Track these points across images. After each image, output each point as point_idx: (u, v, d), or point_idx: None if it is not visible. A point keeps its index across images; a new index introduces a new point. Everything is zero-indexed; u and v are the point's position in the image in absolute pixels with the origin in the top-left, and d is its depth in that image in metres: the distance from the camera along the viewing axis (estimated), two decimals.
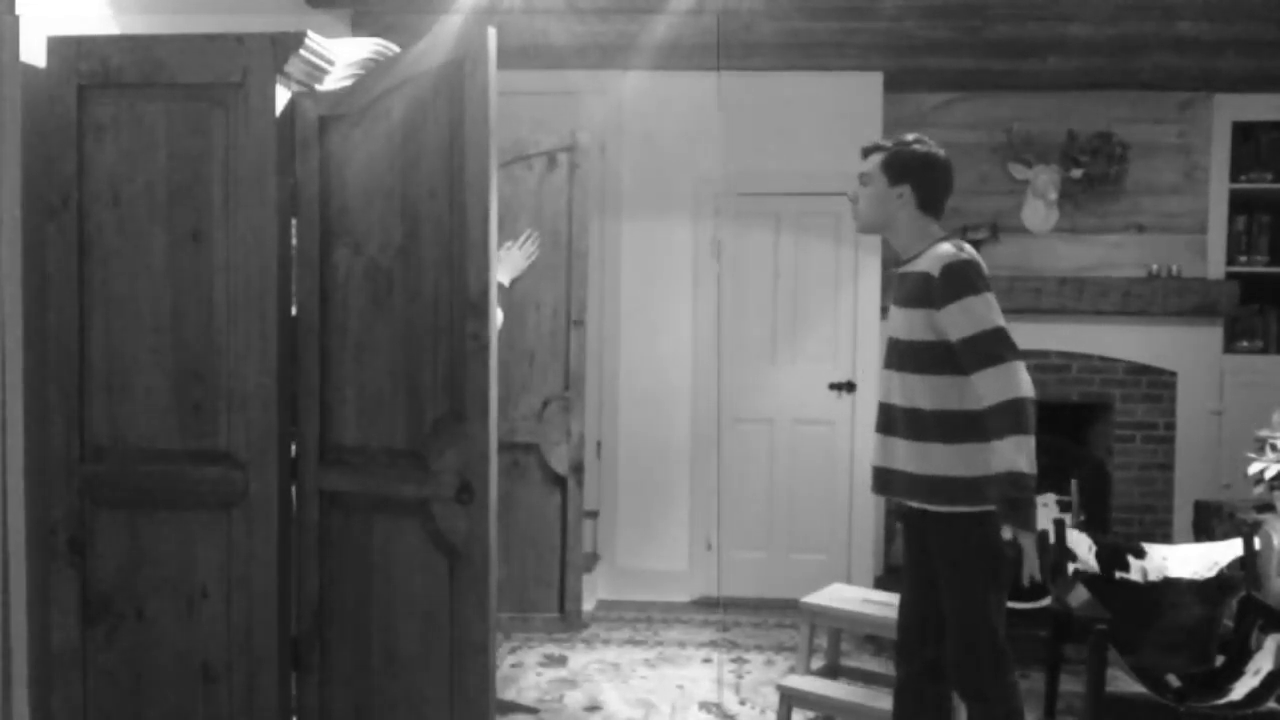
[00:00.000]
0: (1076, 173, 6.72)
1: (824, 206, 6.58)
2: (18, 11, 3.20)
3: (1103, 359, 6.80)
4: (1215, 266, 6.81)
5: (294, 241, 3.50)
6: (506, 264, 4.70)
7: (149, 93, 3.33)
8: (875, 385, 6.55)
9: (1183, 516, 6.62)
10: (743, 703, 5.10)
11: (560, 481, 5.03)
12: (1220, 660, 4.45)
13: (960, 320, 3.38)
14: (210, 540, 3.38)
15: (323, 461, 3.47)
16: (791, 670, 5.18)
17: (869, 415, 6.51)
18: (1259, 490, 5.13)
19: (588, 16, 5.57)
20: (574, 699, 5.11)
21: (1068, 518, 5.79)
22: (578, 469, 5.03)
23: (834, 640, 4.92)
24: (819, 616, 4.70)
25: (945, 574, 3.54)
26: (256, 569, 3.37)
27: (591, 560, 6.70)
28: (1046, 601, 5.15)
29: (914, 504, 3.58)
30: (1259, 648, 4.32)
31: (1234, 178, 6.82)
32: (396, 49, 3.84)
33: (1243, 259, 6.88)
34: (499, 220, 3.92)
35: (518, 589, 5.08)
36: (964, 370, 3.40)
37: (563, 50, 6.13)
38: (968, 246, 3.51)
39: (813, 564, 6.59)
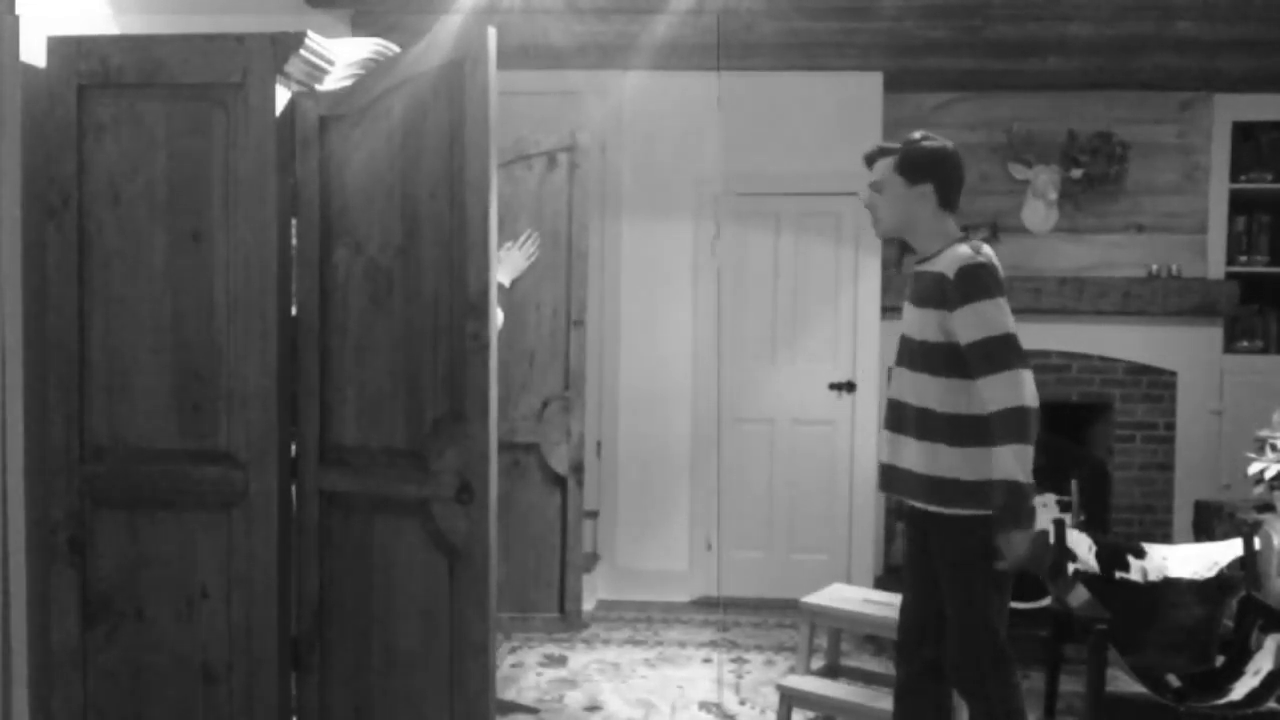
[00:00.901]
0: (1076, 173, 6.72)
1: (824, 206, 6.59)
2: (18, 11, 3.20)
3: (1103, 359, 6.80)
4: (1215, 266, 6.81)
5: (294, 241, 3.50)
6: (506, 264, 4.69)
7: (149, 93, 3.33)
8: (875, 385, 6.58)
9: (1183, 516, 6.62)
10: (743, 703, 5.10)
11: (560, 481, 5.02)
12: (1220, 660, 4.45)
13: (970, 323, 3.38)
14: (210, 540, 3.38)
15: (323, 461, 3.47)
16: (791, 670, 5.17)
17: (869, 415, 6.56)
18: (1259, 490, 5.13)
19: (587, 16, 5.57)
20: (574, 699, 5.11)
21: (1068, 518, 5.78)
22: (578, 469, 5.01)
23: (834, 640, 4.92)
24: (819, 616, 4.69)
25: (947, 575, 3.54)
26: (256, 569, 3.37)
27: (591, 560, 6.70)
28: (1046, 601, 5.15)
29: (917, 504, 3.58)
30: (1259, 648, 4.32)
31: (1234, 178, 6.82)
32: (397, 49, 3.84)
33: (1243, 259, 6.89)
34: (499, 220, 3.93)
35: (518, 589, 5.07)
36: (972, 374, 3.40)
37: (563, 50, 6.13)
38: (985, 248, 3.50)
39: (813, 564, 6.59)
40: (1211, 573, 4.52)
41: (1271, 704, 4.01)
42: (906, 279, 6.49)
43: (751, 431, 6.75)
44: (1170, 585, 4.52)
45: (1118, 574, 4.57)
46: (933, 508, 3.50)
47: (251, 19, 3.61)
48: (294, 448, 3.49)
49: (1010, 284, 6.48)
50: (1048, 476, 6.12)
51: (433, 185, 3.25)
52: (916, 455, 3.54)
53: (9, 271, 3.22)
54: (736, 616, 6.42)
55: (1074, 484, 6.27)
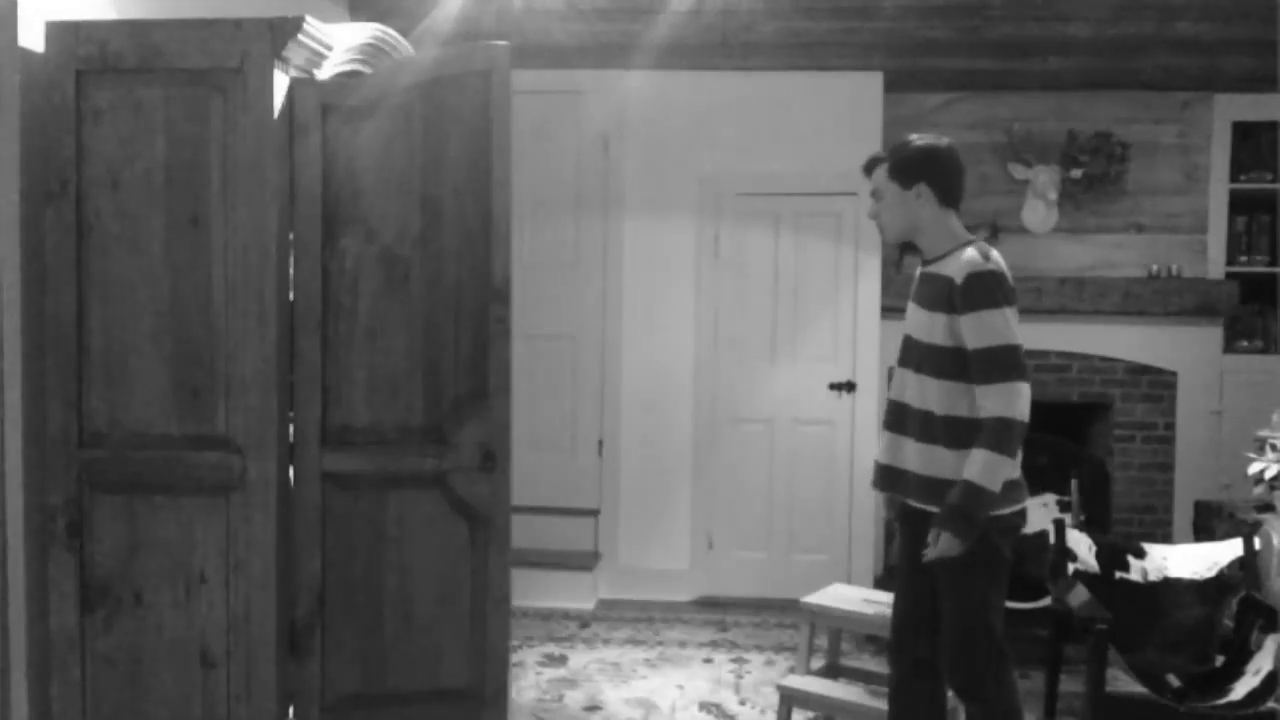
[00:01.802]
0: (1076, 173, 6.71)
1: (824, 206, 6.59)
2: None
3: (1103, 359, 6.79)
4: (1215, 266, 6.80)
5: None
6: None
7: (147, 78, 3.34)
8: (875, 385, 6.57)
9: (1183, 516, 6.60)
10: (743, 703, 5.08)
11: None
12: (1220, 660, 4.43)
13: (976, 330, 3.38)
14: (209, 526, 3.38)
15: (329, 443, 3.52)
16: (791, 670, 5.16)
17: (869, 415, 6.55)
18: (1259, 490, 5.11)
19: (589, 16, 5.59)
20: (574, 699, 5.10)
21: (1068, 518, 5.77)
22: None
23: (834, 640, 4.91)
24: (819, 616, 4.69)
25: (944, 576, 3.52)
26: (255, 554, 3.37)
27: (593, 559, 6.69)
28: (1046, 601, 5.14)
29: (916, 504, 3.57)
30: (1259, 648, 4.31)
31: (1234, 178, 6.81)
32: (395, 34, 3.88)
33: (1243, 259, 6.87)
34: None
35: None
36: (973, 379, 3.40)
37: (565, 49, 6.15)
38: (994, 254, 3.48)
39: (813, 564, 6.57)
40: (1211, 573, 4.51)
41: (1271, 704, 4.00)
42: (908, 279, 6.54)
43: (751, 431, 6.74)
44: (1170, 585, 4.51)
45: (1118, 574, 4.56)
46: (931, 508, 3.49)
47: (249, 4, 3.61)
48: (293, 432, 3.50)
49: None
50: (1048, 476, 6.12)
51: (456, 183, 3.58)
52: (916, 456, 3.54)
53: (7, 257, 3.23)
54: (736, 616, 6.41)
55: (1074, 484, 6.24)
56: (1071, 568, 4.58)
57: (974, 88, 6.75)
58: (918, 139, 3.63)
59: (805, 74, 6.55)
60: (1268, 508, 5.10)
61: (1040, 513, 5.88)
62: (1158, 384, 6.79)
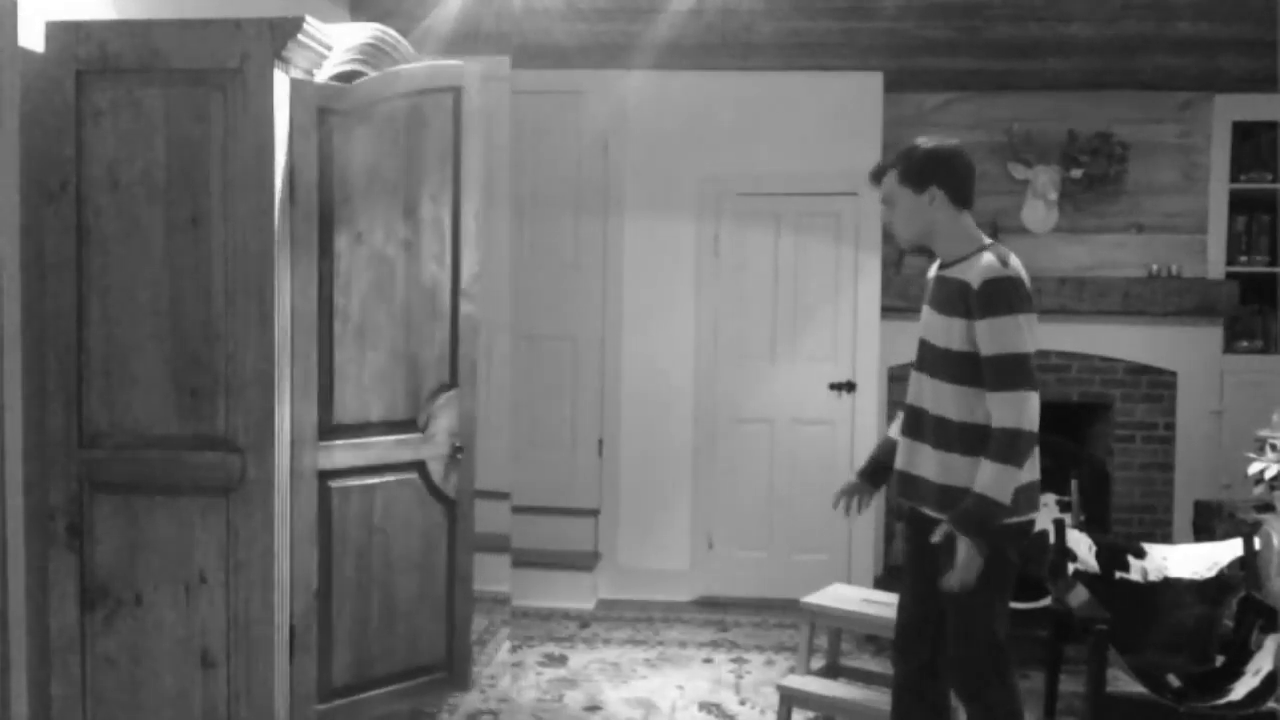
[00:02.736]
0: (1076, 173, 6.71)
1: (824, 206, 6.58)
2: None
3: (1103, 359, 6.79)
4: (1215, 266, 6.80)
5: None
6: None
7: (147, 78, 3.35)
8: (875, 385, 6.58)
9: (1183, 516, 6.60)
10: (743, 703, 5.08)
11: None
12: (1220, 660, 4.43)
13: (990, 337, 3.35)
14: (208, 525, 3.39)
15: (324, 441, 3.56)
16: (791, 670, 5.16)
17: (869, 415, 6.56)
18: (1259, 490, 5.10)
19: (589, 16, 5.58)
20: (574, 699, 5.10)
21: (1068, 518, 5.77)
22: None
23: (834, 640, 4.90)
24: (819, 616, 4.68)
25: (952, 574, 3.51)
26: (255, 554, 3.37)
27: (593, 559, 6.69)
28: (1046, 601, 5.13)
29: (931, 513, 3.53)
30: (1259, 648, 4.30)
31: (1234, 178, 6.80)
32: (395, 34, 3.89)
33: (1243, 259, 6.87)
34: None
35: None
36: (985, 385, 3.39)
37: (565, 49, 6.14)
38: (1013, 259, 3.44)
39: (813, 564, 6.56)
40: (1211, 573, 4.51)
41: (1271, 704, 4.00)
42: (907, 279, 6.58)
43: (751, 431, 6.73)
44: (1170, 585, 4.51)
45: (1118, 574, 4.55)
46: (943, 515, 3.46)
47: (249, 4, 3.61)
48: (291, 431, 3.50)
49: None
50: (1048, 476, 6.11)
51: (433, 189, 3.86)
52: (932, 463, 3.52)
53: (8, 257, 3.22)
54: (736, 616, 6.41)
55: (1074, 484, 6.24)
56: (1071, 568, 4.57)
57: (974, 88, 6.75)
58: (926, 141, 3.58)
59: (805, 74, 6.55)
60: (1268, 508, 5.10)
61: (1040, 513, 5.87)
62: (1158, 384, 6.79)
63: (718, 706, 5.03)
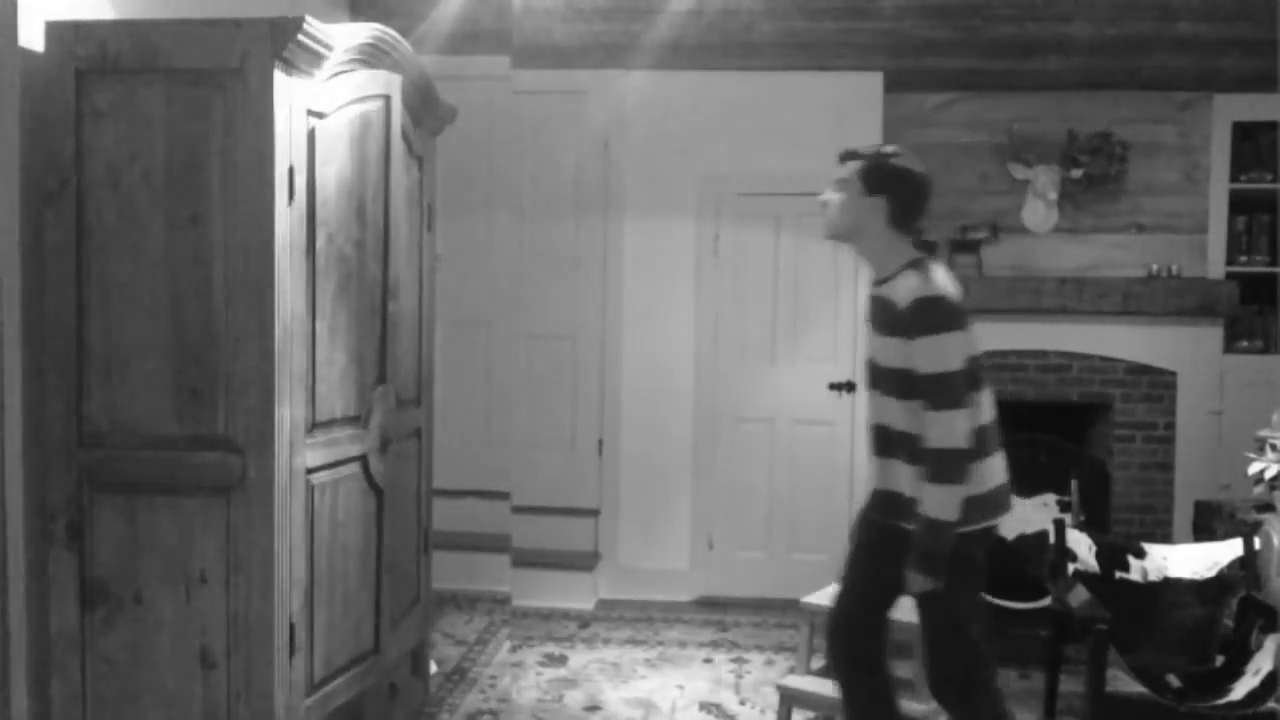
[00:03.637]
0: (1076, 173, 6.71)
1: None
2: None
3: (1103, 359, 6.79)
4: (1215, 266, 6.81)
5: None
6: None
7: (147, 78, 3.32)
8: None
9: (1183, 516, 6.59)
10: (743, 703, 5.09)
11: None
12: (1220, 660, 4.43)
13: (921, 356, 3.39)
14: (208, 525, 3.37)
15: (307, 438, 3.58)
16: (791, 670, 5.17)
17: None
18: (1259, 490, 5.10)
19: (590, 16, 5.58)
20: (574, 699, 5.10)
21: (1068, 518, 5.77)
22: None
23: None
24: (819, 616, 4.67)
25: (924, 595, 3.52)
26: (255, 554, 3.36)
27: (593, 559, 6.69)
28: (1046, 601, 5.14)
29: (904, 525, 3.54)
30: (1259, 648, 4.31)
31: (1234, 178, 6.81)
32: (395, 34, 3.90)
33: (1243, 259, 6.87)
34: None
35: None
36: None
37: (565, 49, 6.14)
38: (937, 277, 3.46)
39: (813, 564, 6.55)
40: (1211, 573, 4.51)
41: (1271, 704, 4.00)
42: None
43: (751, 431, 6.74)
44: (1170, 585, 4.51)
45: (1118, 574, 4.56)
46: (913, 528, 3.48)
47: (249, 4, 3.61)
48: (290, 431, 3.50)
49: (1010, 284, 6.54)
50: (1048, 476, 6.13)
51: (374, 190, 3.95)
52: (907, 478, 3.54)
53: (7, 257, 3.23)
54: (736, 616, 6.41)
55: (1074, 484, 6.25)
56: (1071, 568, 4.58)
57: (974, 88, 6.75)
58: (899, 156, 3.59)
59: (805, 74, 6.55)
60: (1268, 508, 5.10)
61: (1040, 513, 5.89)
62: (1158, 384, 6.79)
63: (718, 706, 5.03)
